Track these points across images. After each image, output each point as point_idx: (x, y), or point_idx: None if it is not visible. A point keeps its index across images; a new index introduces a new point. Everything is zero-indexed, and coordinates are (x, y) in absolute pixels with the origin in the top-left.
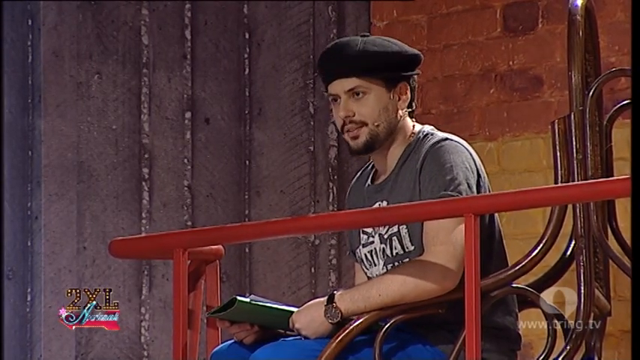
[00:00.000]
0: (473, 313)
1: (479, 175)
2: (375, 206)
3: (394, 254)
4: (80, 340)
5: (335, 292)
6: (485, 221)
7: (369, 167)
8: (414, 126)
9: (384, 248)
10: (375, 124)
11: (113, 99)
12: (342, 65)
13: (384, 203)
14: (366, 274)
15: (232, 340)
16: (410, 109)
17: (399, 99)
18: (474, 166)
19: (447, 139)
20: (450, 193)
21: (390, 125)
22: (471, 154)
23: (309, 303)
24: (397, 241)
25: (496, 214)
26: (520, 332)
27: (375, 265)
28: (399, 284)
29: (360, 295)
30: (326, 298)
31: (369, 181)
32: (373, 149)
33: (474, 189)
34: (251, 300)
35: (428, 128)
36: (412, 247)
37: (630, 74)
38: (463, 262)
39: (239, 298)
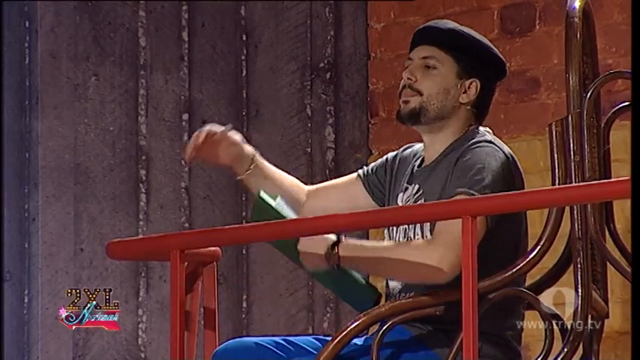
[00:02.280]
0: (470, 315)
1: (515, 187)
2: (404, 186)
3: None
4: (77, 342)
5: (344, 236)
6: (510, 227)
7: (421, 150)
8: (471, 124)
9: (406, 229)
10: (431, 102)
11: (110, 101)
12: (429, 32)
13: (416, 187)
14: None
15: (235, 340)
16: (474, 110)
17: (465, 92)
18: (509, 178)
19: (491, 142)
20: (471, 192)
21: (443, 109)
22: (510, 165)
23: (320, 237)
24: (419, 228)
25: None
26: (520, 349)
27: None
28: (395, 259)
29: (361, 252)
30: (334, 239)
31: (417, 163)
32: (417, 121)
33: None
34: (276, 204)
35: (482, 129)
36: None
37: (628, 76)
38: (459, 264)
39: (263, 194)
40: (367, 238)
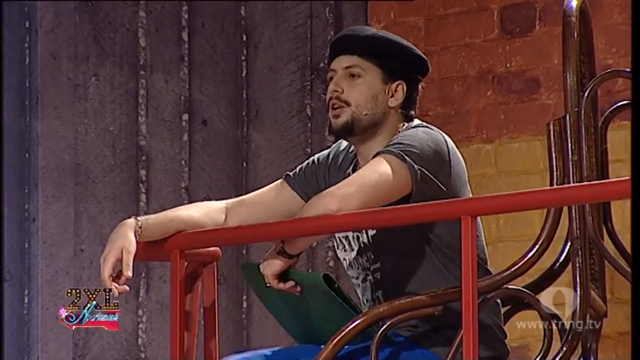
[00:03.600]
0: (470, 315)
1: (450, 164)
2: None
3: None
4: (78, 342)
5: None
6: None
7: (353, 153)
8: (403, 124)
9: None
10: (363, 112)
11: (110, 101)
12: (349, 42)
13: None
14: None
15: (241, 355)
16: (403, 110)
17: (392, 95)
18: (445, 152)
19: (425, 126)
20: (390, 149)
21: (374, 117)
22: (446, 143)
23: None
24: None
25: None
26: (503, 336)
27: (347, 251)
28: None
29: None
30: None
31: (350, 169)
32: (352, 133)
33: (432, 169)
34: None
35: (415, 122)
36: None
37: (625, 75)
38: (350, 205)
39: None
40: None
